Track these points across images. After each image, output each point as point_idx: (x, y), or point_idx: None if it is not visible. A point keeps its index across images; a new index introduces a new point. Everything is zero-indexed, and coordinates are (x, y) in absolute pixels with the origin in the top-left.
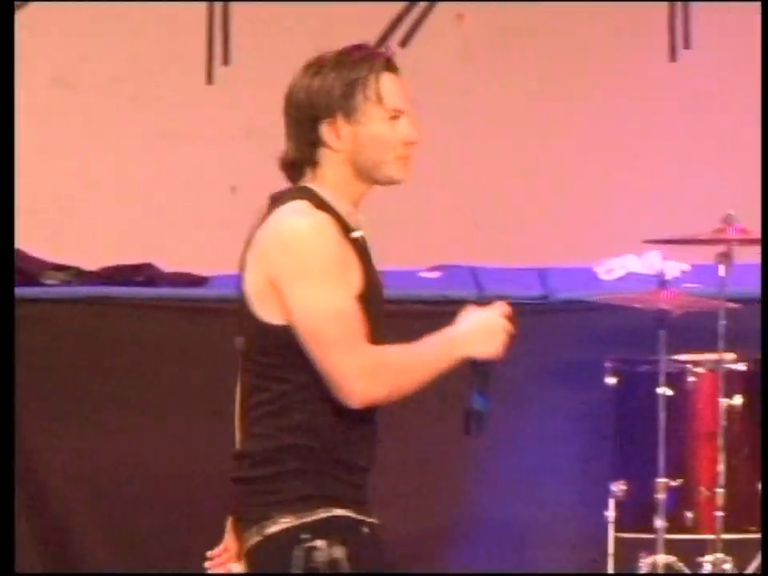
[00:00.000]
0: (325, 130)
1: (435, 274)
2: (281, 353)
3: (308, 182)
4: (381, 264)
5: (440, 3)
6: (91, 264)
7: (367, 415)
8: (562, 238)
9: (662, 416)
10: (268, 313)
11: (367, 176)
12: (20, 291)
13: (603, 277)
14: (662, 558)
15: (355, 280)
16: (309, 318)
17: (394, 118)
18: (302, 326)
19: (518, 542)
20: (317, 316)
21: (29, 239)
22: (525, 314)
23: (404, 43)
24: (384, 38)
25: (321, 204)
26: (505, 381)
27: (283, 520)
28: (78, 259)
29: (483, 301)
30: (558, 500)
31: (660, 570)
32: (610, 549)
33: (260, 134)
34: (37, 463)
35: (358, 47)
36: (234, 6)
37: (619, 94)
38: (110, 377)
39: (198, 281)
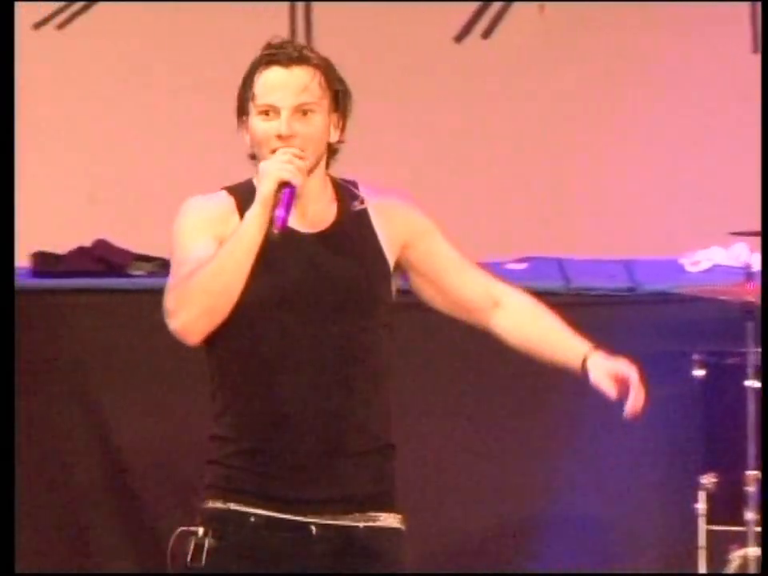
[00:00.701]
0: (238, 125)
1: (522, 266)
2: None
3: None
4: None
5: None
6: None
7: (292, 402)
8: (648, 229)
9: (750, 408)
10: None
11: None
12: (107, 282)
13: (690, 269)
14: (753, 551)
15: None
16: None
17: (265, 113)
18: None
19: (606, 536)
20: None
21: (115, 231)
22: (611, 305)
23: (486, 35)
24: (465, 31)
25: (236, 188)
26: None
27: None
28: (163, 250)
29: (570, 292)
30: (646, 493)
31: (751, 563)
32: (701, 541)
33: None
34: (126, 455)
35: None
36: (315, 4)
37: (703, 84)
38: (199, 367)
39: None
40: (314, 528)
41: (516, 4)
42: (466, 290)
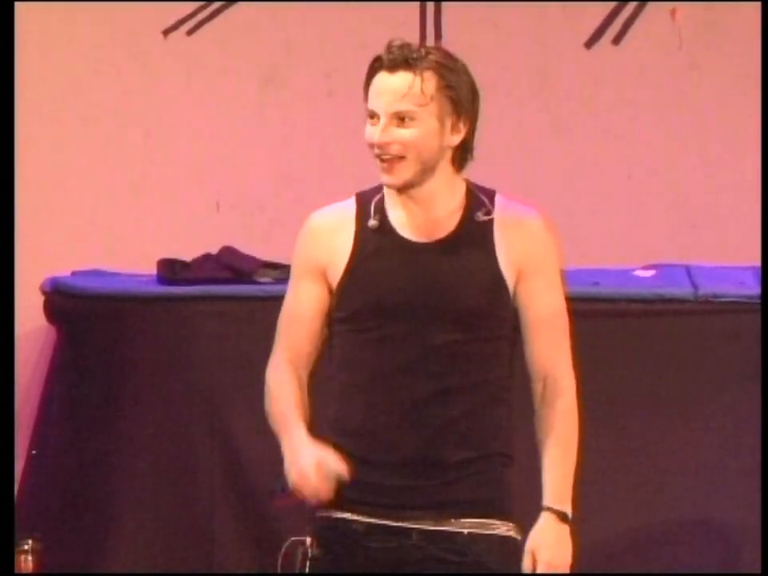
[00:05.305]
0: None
1: (650, 273)
2: None
3: None
4: (594, 263)
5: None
6: None
7: (388, 410)
8: None
9: None
10: None
11: None
12: (234, 289)
13: None
14: None
15: (335, 271)
16: None
17: (371, 116)
18: None
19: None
20: None
21: (241, 238)
22: (740, 312)
23: (617, 41)
24: (596, 36)
25: (363, 196)
26: (721, 380)
27: None
28: (290, 258)
29: (698, 299)
30: None
31: None
32: None
33: None
34: (251, 461)
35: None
36: (446, 5)
37: None
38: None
39: None
40: (414, 534)
41: (647, 9)
42: (529, 353)
